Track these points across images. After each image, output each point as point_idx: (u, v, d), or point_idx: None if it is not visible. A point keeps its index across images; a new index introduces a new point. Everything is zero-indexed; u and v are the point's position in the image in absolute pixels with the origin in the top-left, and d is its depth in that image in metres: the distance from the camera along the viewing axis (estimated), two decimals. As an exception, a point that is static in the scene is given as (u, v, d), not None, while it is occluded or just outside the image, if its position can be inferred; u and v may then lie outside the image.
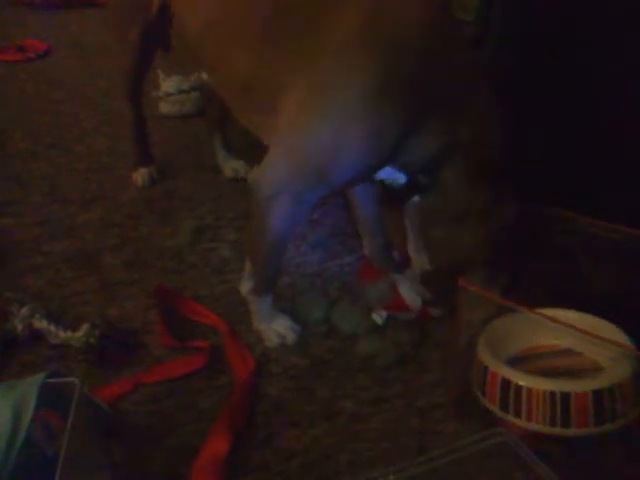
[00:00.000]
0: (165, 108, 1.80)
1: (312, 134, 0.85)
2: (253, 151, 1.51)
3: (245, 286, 1.03)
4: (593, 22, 1.03)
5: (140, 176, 1.46)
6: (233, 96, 1.05)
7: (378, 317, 1.01)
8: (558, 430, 0.74)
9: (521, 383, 0.77)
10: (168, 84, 1.78)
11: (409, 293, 1.02)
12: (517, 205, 0.89)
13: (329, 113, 0.84)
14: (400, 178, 0.92)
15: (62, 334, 1.00)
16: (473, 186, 0.87)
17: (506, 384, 0.78)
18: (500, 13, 1.22)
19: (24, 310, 1.02)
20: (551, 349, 0.87)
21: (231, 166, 1.47)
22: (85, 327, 0.99)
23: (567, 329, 0.82)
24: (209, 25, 1.00)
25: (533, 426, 0.76)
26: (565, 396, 0.74)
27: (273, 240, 0.95)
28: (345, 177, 0.89)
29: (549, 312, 0.85)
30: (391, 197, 0.97)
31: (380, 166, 0.90)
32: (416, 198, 0.92)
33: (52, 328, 1.01)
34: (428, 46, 0.82)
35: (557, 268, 0.90)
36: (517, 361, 0.85)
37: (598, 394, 0.73)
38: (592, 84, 1.04)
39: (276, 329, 1.01)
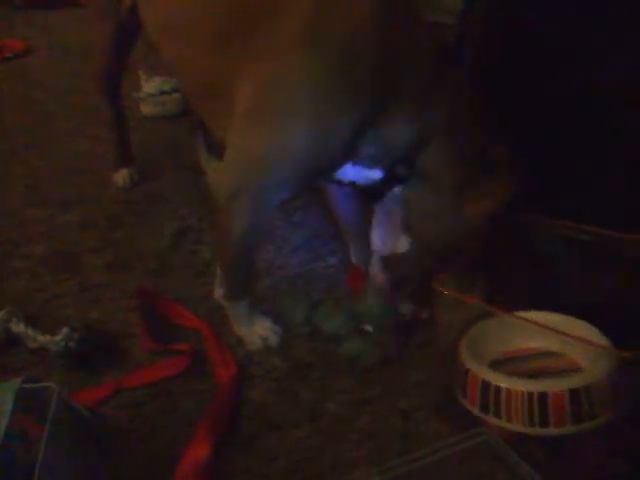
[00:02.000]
0: (146, 109, 1.78)
1: (262, 135, 0.85)
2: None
3: (218, 292, 1.02)
4: (575, 21, 1.04)
5: (121, 177, 1.45)
6: (193, 98, 1.05)
7: (369, 326, 1.01)
8: (537, 430, 0.75)
9: (500, 385, 0.77)
10: (149, 85, 1.77)
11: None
12: (512, 182, 0.88)
13: (277, 114, 0.84)
14: (373, 175, 0.91)
15: (40, 338, 0.98)
16: (455, 170, 0.87)
17: (486, 386, 0.78)
18: (482, 15, 1.23)
19: (1, 314, 1.01)
20: (532, 352, 0.87)
21: (214, 167, 1.46)
22: (64, 331, 0.97)
23: (547, 332, 0.82)
24: (164, 25, 1.01)
25: (513, 427, 0.76)
26: (543, 396, 0.75)
27: (238, 243, 0.94)
28: (300, 176, 0.89)
29: (529, 315, 0.86)
30: (368, 198, 0.95)
31: (338, 163, 0.89)
32: (397, 190, 0.91)
33: (30, 332, 0.99)
34: (380, 41, 0.81)
35: (537, 272, 0.91)
36: (499, 364, 0.86)
37: (575, 393, 0.74)
38: (575, 84, 1.05)
39: (258, 331, 1.01)
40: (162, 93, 1.76)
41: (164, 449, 0.84)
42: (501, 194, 0.88)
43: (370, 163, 0.89)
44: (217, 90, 0.92)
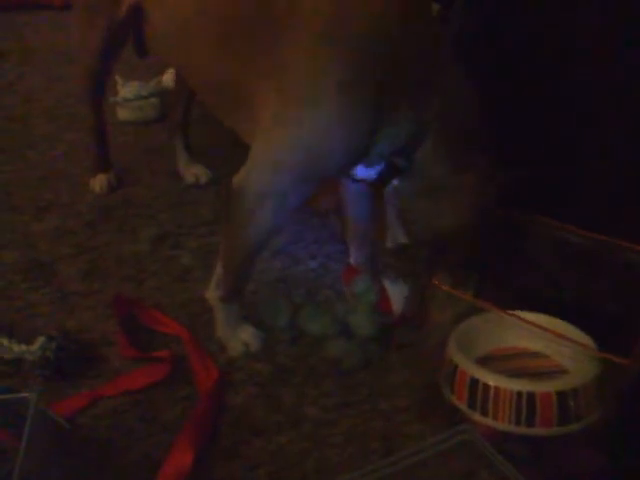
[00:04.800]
0: (123, 114, 1.76)
1: (286, 136, 0.87)
2: (215, 156, 1.50)
3: (214, 293, 1.01)
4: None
5: (98, 183, 1.43)
6: (209, 97, 1.05)
7: (354, 327, 1.00)
8: (523, 429, 0.76)
9: (489, 382, 0.78)
10: (127, 90, 1.75)
11: (396, 297, 1.03)
12: (498, 176, 0.90)
13: (304, 114, 0.86)
14: (373, 172, 0.93)
15: (16, 348, 0.96)
16: (447, 162, 0.90)
17: (474, 383, 0.79)
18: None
19: (-26, 324, 0.99)
20: (519, 351, 0.88)
21: (192, 172, 1.45)
22: (40, 340, 0.95)
23: (535, 332, 0.83)
24: (181, 28, 1.00)
25: (499, 425, 0.77)
26: (531, 396, 0.75)
27: (253, 246, 0.96)
28: (327, 171, 0.91)
29: (519, 315, 0.86)
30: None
31: (355, 160, 0.91)
32: (395, 182, 0.94)
33: (5, 342, 0.97)
34: (394, 41, 0.84)
35: (525, 272, 0.92)
36: (485, 361, 0.86)
37: (562, 395, 0.75)
38: (559, 52, 1.02)
39: (240, 337, 1.00)
40: (139, 98, 1.74)
41: (145, 458, 0.82)
42: (489, 188, 0.90)
43: (376, 160, 0.92)
44: (237, 94, 0.93)
